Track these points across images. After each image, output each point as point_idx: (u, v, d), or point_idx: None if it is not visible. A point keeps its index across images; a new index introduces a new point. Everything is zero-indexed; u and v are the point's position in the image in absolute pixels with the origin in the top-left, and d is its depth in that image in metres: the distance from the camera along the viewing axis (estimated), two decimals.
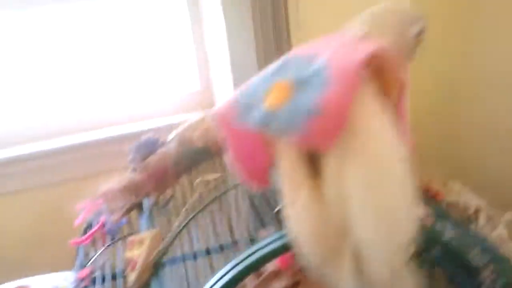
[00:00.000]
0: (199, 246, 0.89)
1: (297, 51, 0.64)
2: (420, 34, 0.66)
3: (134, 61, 1.46)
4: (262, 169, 0.60)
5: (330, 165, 0.53)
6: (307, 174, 0.55)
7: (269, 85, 0.59)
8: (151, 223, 1.00)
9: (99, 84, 1.46)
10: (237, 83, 1.32)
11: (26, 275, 1.17)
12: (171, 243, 0.84)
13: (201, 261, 0.87)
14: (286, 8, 1.30)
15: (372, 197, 0.51)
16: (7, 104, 1.40)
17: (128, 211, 1.00)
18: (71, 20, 1.38)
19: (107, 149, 1.33)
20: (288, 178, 0.56)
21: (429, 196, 1.04)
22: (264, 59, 1.30)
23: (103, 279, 0.90)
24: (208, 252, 0.88)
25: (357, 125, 0.53)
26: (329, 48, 0.59)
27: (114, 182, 0.95)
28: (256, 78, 0.62)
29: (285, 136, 0.55)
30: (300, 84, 0.56)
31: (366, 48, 0.55)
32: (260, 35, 1.28)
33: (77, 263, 1.04)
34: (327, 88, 0.53)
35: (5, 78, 1.38)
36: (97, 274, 0.94)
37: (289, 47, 1.32)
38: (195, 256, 0.88)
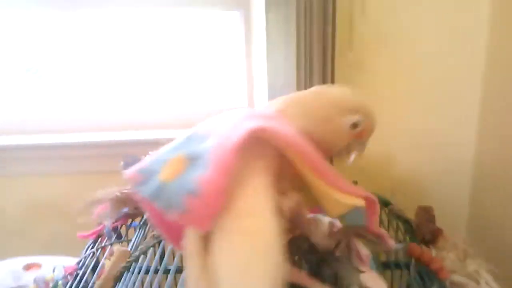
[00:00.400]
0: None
1: (200, 126, 0.63)
2: (357, 126, 0.61)
3: (190, 75, 1.53)
4: (177, 234, 0.59)
5: (213, 243, 0.53)
6: (202, 247, 0.54)
7: (169, 157, 0.60)
8: (142, 235, 1.03)
9: (150, 89, 1.54)
10: None
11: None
12: (134, 261, 0.86)
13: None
14: (333, 43, 1.26)
15: (236, 279, 0.49)
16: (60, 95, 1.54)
17: (123, 219, 1.04)
18: (135, 26, 1.48)
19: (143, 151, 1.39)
20: (187, 248, 0.56)
21: (430, 271, 0.95)
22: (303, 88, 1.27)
23: (80, 280, 0.95)
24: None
25: (236, 206, 0.52)
26: (223, 126, 0.58)
27: (110, 190, 0.99)
28: (164, 148, 0.63)
29: (168, 212, 0.55)
30: (192, 161, 0.56)
31: (244, 128, 0.54)
32: (302, 63, 1.26)
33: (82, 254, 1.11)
34: (206, 169, 0.53)
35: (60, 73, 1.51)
36: (80, 272, 0.99)
37: (331, 82, 1.28)
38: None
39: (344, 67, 1.33)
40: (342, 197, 0.58)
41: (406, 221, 1.14)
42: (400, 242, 1.12)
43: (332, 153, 0.63)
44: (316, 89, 0.66)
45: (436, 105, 1.40)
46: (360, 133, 0.63)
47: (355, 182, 1.17)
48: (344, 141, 0.63)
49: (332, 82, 1.29)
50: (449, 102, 1.41)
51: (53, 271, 1.03)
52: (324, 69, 1.28)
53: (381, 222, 1.17)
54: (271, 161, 0.57)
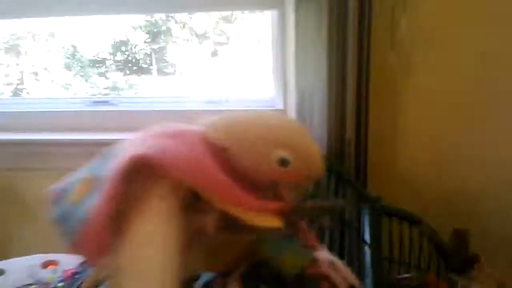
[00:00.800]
0: None
1: (119, 144, 0.58)
2: (285, 164, 0.52)
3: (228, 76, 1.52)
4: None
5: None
6: None
7: (83, 176, 0.55)
8: None
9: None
10: (299, 111, 1.23)
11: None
12: None
13: None
14: (369, 40, 1.14)
15: None
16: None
17: None
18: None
19: None
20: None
21: None
22: (334, 94, 1.17)
23: (74, 283, 0.93)
24: None
25: (132, 235, 0.48)
26: (129, 146, 0.53)
27: None
28: (87, 166, 0.57)
29: (66, 238, 0.50)
30: (95, 183, 0.52)
31: (127, 156, 0.49)
32: (334, 64, 1.16)
33: None
34: (98, 196, 0.50)
35: None
36: (77, 277, 0.97)
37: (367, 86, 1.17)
38: None
39: (384, 69, 1.21)
40: (256, 219, 0.51)
41: (438, 245, 1.01)
42: (428, 268, 0.99)
43: (258, 185, 0.54)
44: (261, 113, 0.58)
45: (493, 115, 1.22)
46: (289, 174, 0.53)
47: (378, 199, 1.05)
48: (268, 176, 0.53)
49: (367, 85, 1.18)
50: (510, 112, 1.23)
51: (54, 273, 1.02)
52: (360, 71, 1.17)
53: (411, 243, 1.05)
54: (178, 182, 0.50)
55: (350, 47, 1.15)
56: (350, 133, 1.22)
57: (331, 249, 0.84)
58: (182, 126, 0.58)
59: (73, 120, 1.54)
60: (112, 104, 1.55)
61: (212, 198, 0.50)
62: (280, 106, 1.41)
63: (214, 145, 0.53)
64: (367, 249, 0.91)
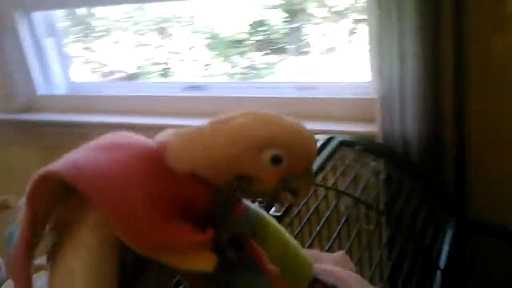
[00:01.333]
0: None
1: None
2: (280, 160, 0.44)
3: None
4: None
5: None
6: None
7: None
8: None
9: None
10: (385, 104, 1.09)
11: None
12: None
13: None
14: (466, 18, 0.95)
15: None
16: None
17: None
18: None
19: None
20: None
21: None
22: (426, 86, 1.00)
23: None
24: None
25: (50, 274, 0.43)
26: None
27: None
28: None
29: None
30: None
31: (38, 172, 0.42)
32: (425, 49, 0.99)
33: None
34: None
35: None
36: None
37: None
38: None
39: (489, 54, 1.00)
40: (187, 263, 0.43)
41: None
42: None
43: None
44: (212, 124, 0.47)
45: None
46: (289, 165, 0.45)
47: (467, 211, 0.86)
48: (270, 183, 0.45)
49: (468, 76, 0.98)
50: None
51: None
52: (457, 58, 0.99)
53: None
54: None
55: (444, 28, 0.96)
56: (447, 131, 1.04)
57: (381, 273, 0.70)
58: (133, 138, 0.50)
59: (167, 105, 1.54)
60: (204, 90, 1.54)
61: (124, 237, 0.41)
62: (370, 95, 1.25)
63: (163, 165, 0.45)
64: (439, 275, 0.74)
